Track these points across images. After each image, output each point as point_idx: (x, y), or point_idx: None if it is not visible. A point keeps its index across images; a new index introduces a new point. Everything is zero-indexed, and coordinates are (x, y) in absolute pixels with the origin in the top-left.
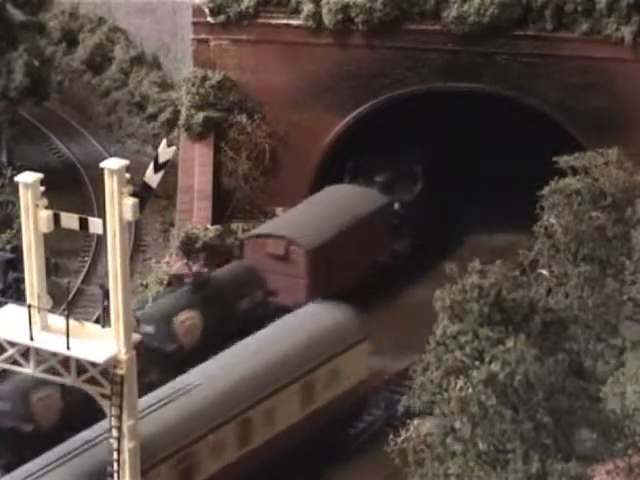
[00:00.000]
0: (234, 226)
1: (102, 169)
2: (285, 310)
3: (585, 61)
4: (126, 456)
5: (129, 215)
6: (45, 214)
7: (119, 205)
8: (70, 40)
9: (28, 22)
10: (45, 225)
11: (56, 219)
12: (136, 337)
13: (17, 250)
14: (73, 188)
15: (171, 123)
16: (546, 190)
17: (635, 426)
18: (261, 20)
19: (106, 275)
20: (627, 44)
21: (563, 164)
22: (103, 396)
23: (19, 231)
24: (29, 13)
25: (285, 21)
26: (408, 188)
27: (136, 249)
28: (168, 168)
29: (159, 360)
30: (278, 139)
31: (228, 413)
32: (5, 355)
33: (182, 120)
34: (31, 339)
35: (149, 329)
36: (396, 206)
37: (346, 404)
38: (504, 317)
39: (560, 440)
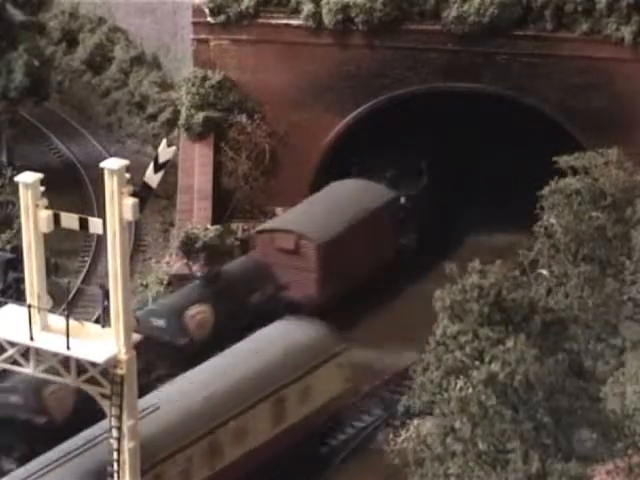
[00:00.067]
0: (234, 226)
1: (102, 169)
2: (296, 304)
3: (585, 61)
4: (126, 456)
5: (129, 215)
6: (45, 214)
7: (119, 205)
8: (70, 40)
9: (28, 22)
10: (45, 225)
11: (56, 219)
12: (136, 337)
13: (17, 250)
14: (73, 188)
15: (171, 123)
16: (546, 190)
17: (635, 426)
18: (261, 20)
19: (106, 275)
20: (627, 44)
21: (563, 164)
22: (103, 396)
23: (19, 231)
24: (29, 13)
25: (285, 21)
26: (413, 183)
27: (136, 249)
28: (168, 168)
29: (170, 354)
30: (278, 139)
31: (196, 432)
32: (5, 355)
33: (182, 120)
34: (31, 339)
35: (160, 323)
36: (402, 200)
37: (319, 421)
38: (504, 317)
39: (560, 440)
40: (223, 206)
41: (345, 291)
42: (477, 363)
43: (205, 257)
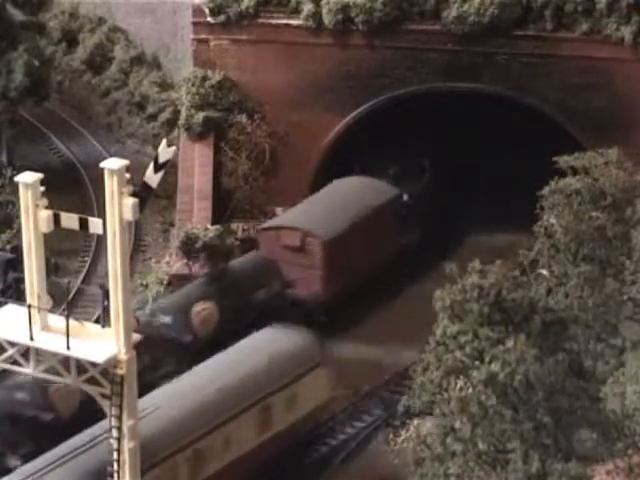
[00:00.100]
0: (234, 226)
1: (102, 169)
2: (301, 301)
3: (585, 61)
4: (126, 456)
5: (129, 215)
6: (45, 214)
7: (119, 205)
8: (70, 40)
9: (28, 22)
10: (45, 225)
11: (56, 219)
12: (136, 337)
13: (17, 250)
14: (73, 188)
15: (171, 123)
16: (546, 190)
17: (635, 426)
18: (261, 20)
19: (106, 275)
20: (627, 44)
21: (563, 164)
22: (103, 396)
23: (19, 231)
24: (29, 13)
25: (285, 21)
26: (416, 180)
27: (136, 249)
28: (168, 168)
29: (176, 351)
30: (278, 139)
31: (181, 442)
32: (5, 355)
33: (182, 120)
34: (31, 339)
35: (166, 320)
36: (405, 197)
37: (304, 429)
38: (504, 317)
39: (560, 440)
40: (223, 206)
41: (350, 288)
42: (477, 363)
43: (205, 257)
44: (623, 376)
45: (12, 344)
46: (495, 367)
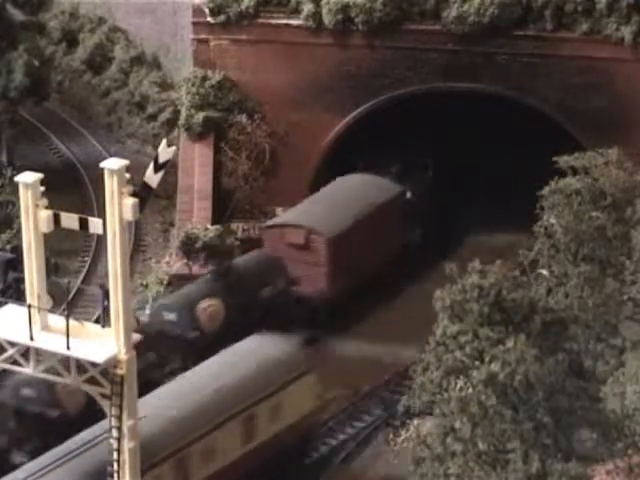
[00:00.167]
0: (234, 226)
1: (102, 169)
2: (306, 298)
3: (585, 61)
4: (126, 456)
5: (129, 215)
6: (45, 214)
7: (119, 205)
8: (70, 40)
9: (28, 22)
10: (45, 225)
11: (56, 219)
12: (136, 337)
13: (17, 250)
14: (73, 188)
15: (171, 123)
16: (546, 190)
17: (635, 426)
18: (261, 20)
19: (106, 275)
20: (627, 44)
21: (563, 164)
22: (103, 396)
23: (19, 231)
24: (29, 13)
25: (285, 21)
26: (419, 178)
27: (136, 249)
28: (168, 168)
29: (182, 348)
30: (278, 139)
31: (164, 451)
32: (5, 355)
33: (182, 120)
34: (31, 339)
35: (172, 317)
36: (408, 195)
37: (290, 439)
38: (504, 317)
39: (560, 440)
40: (223, 206)
41: (354, 285)
42: (477, 363)
43: (205, 257)
44: (623, 376)
45: (12, 344)
46: (495, 367)
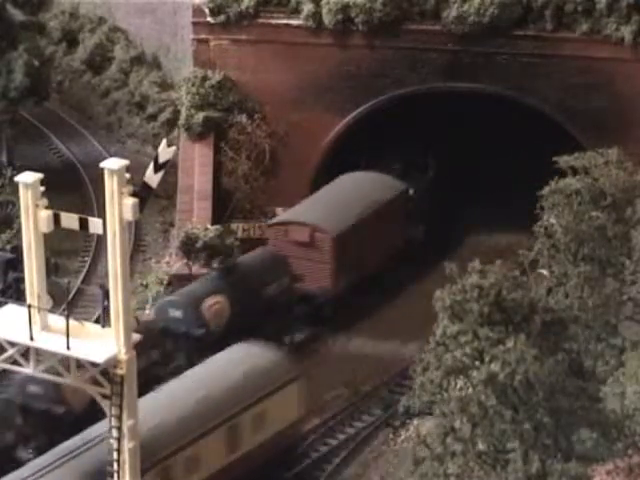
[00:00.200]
0: (234, 226)
1: (102, 169)
2: (310, 295)
3: (585, 61)
4: (126, 456)
5: (129, 215)
6: (45, 214)
7: (119, 205)
8: (70, 40)
9: (28, 22)
10: (45, 225)
11: (56, 219)
12: (136, 337)
13: (17, 250)
14: (73, 188)
15: (171, 123)
16: (546, 190)
17: (635, 426)
18: (261, 20)
19: (106, 275)
20: (627, 44)
21: (563, 164)
22: (103, 396)
23: (19, 231)
24: (29, 13)
25: (285, 21)
26: (421, 175)
27: (136, 249)
28: (168, 168)
29: (187, 345)
30: (278, 139)
31: (148, 460)
32: (5, 355)
33: (182, 120)
34: (31, 339)
35: (177, 314)
36: (411, 192)
37: (275, 448)
38: (504, 317)
39: (560, 440)
40: (223, 206)
41: (358, 282)
42: (477, 363)
43: (205, 257)
44: (623, 376)
45: (12, 344)
46: (495, 367)
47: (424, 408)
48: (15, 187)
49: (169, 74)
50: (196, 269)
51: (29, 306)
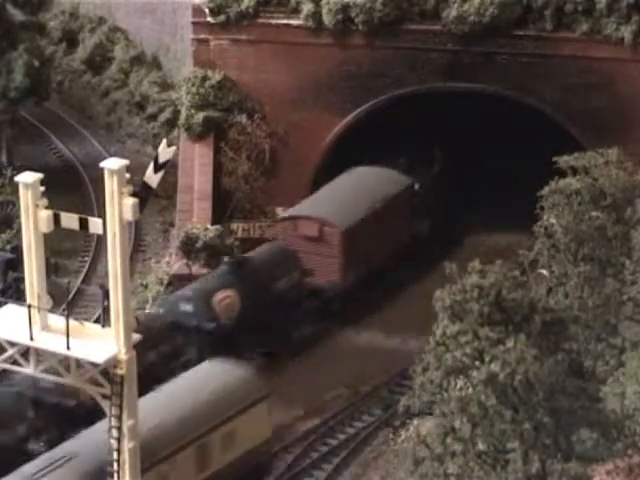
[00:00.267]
0: (234, 226)
1: (102, 169)
2: (320, 290)
3: (585, 61)
4: (126, 456)
5: (129, 215)
6: (45, 214)
7: (119, 205)
8: (70, 40)
9: (28, 22)
10: (45, 225)
11: (56, 219)
12: (136, 337)
13: (17, 250)
14: (73, 188)
15: (171, 123)
16: (546, 190)
17: (635, 426)
18: (261, 20)
19: (106, 275)
20: (627, 44)
21: (563, 164)
22: (103, 396)
23: (19, 231)
24: (29, 13)
25: (285, 21)
26: (426, 170)
27: (136, 249)
28: (168, 168)
29: (198, 339)
30: (278, 139)
31: None
32: (5, 355)
33: (182, 120)
34: (31, 339)
35: (188, 308)
36: (416, 187)
37: (245, 466)
38: (504, 317)
39: (560, 440)
40: (223, 206)
41: (367, 276)
42: (477, 363)
43: (205, 257)
44: (623, 376)
45: (12, 344)
46: (495, 367)
47: (424, 408)
48: (15, 187)
49: (169, 74)
50: (196, 269)
51: (29, 306)
